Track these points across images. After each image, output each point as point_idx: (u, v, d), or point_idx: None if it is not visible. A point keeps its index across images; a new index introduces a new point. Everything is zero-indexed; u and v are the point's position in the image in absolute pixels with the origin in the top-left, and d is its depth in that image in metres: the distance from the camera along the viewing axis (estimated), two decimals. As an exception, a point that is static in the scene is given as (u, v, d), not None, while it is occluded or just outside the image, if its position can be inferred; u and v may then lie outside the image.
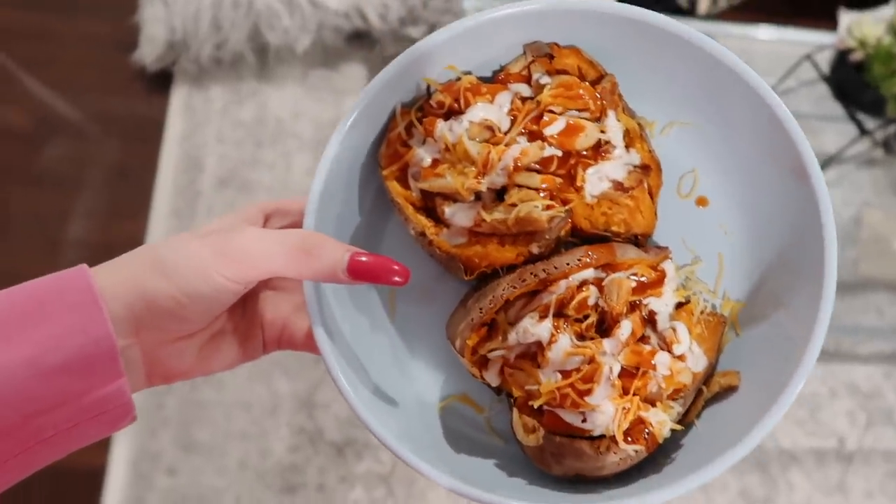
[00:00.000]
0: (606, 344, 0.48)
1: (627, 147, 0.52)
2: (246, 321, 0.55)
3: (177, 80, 1.55)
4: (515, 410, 0.51)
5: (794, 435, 1.33)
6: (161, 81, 1.55)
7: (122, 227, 1.43)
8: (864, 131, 1.35)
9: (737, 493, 1.30)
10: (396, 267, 0.47)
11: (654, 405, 0.48)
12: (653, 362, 0.48)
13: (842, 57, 1.36)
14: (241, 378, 1.31)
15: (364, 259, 0.47)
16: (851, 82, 1.34)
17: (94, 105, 1.54)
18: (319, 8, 1.50)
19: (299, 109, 1.54)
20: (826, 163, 1.45)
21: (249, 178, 1.47)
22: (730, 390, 0.51)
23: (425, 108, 0.54)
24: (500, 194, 0.52)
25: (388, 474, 1.27)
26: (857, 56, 1.32)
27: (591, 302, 0.49)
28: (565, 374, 0.47)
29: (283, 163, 1.49)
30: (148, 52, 1.51)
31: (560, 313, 0.49)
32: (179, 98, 1.54)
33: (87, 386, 0.42)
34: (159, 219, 1.42)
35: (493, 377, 0.52)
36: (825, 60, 1.41)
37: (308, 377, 1.31)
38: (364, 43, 1.58)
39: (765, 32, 1.49)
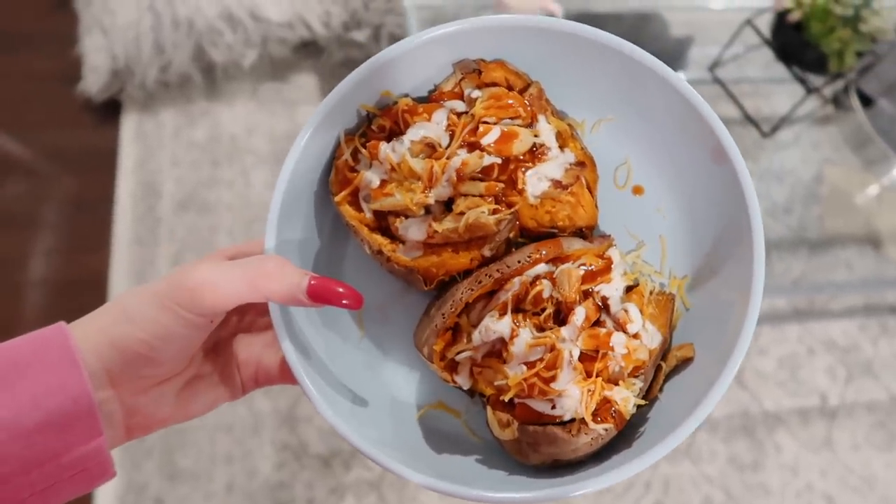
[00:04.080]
0: (564, 331, 0.50)
1: (561, 147, 0.55)
2: (221, 365, 0.55)
3: (125, 108, 1.54)
4: (489, 408, 0.52)
5: (776, 396, 1.35)
6: (110, 111, 1.54)
7: (84, 262, 1.41)
8: (809, 89, 1.37)
9: (726, 460, 1.31)
10: (341, 290, 0.48)
11: (617, 384, 0.50)
12: (610, 343, 0.50)
13: (781, 18, 1.38)
14: (222, 401, 1.30)
15: (314, 283, 0.47)
16: (792, 43, 1.36)
17: (44, 141, 1.52)
18: (262, 21, 1.48)
19: (252, 124, 1.53)
20: (778, 124, 1.46)
21: (209, 198, 1.46)
22: (686, 362, 0.54)
23: (368, 133, 0.56)
24: (448, 205, 0.54)
25: (377, 481, 1.26)
26: (794, 16, 1.33)
27: (545, 294, 0.51)
28: (530, 365, 0.49)
29: (242, 179, 1.48)
30: (93, 83, 1.49)
31: (518, 309, 0.51)
32: (130, 125, 1.52)
33: (65, 445, 0.42)
34: (122, 249, 1.41)
35: (464, 380, 0.53)
36: (767, 25, 1.42)
37: (287, 393, 1.31)
38: (311, 51, 1.57)
39: (715, 1, 1.51)
